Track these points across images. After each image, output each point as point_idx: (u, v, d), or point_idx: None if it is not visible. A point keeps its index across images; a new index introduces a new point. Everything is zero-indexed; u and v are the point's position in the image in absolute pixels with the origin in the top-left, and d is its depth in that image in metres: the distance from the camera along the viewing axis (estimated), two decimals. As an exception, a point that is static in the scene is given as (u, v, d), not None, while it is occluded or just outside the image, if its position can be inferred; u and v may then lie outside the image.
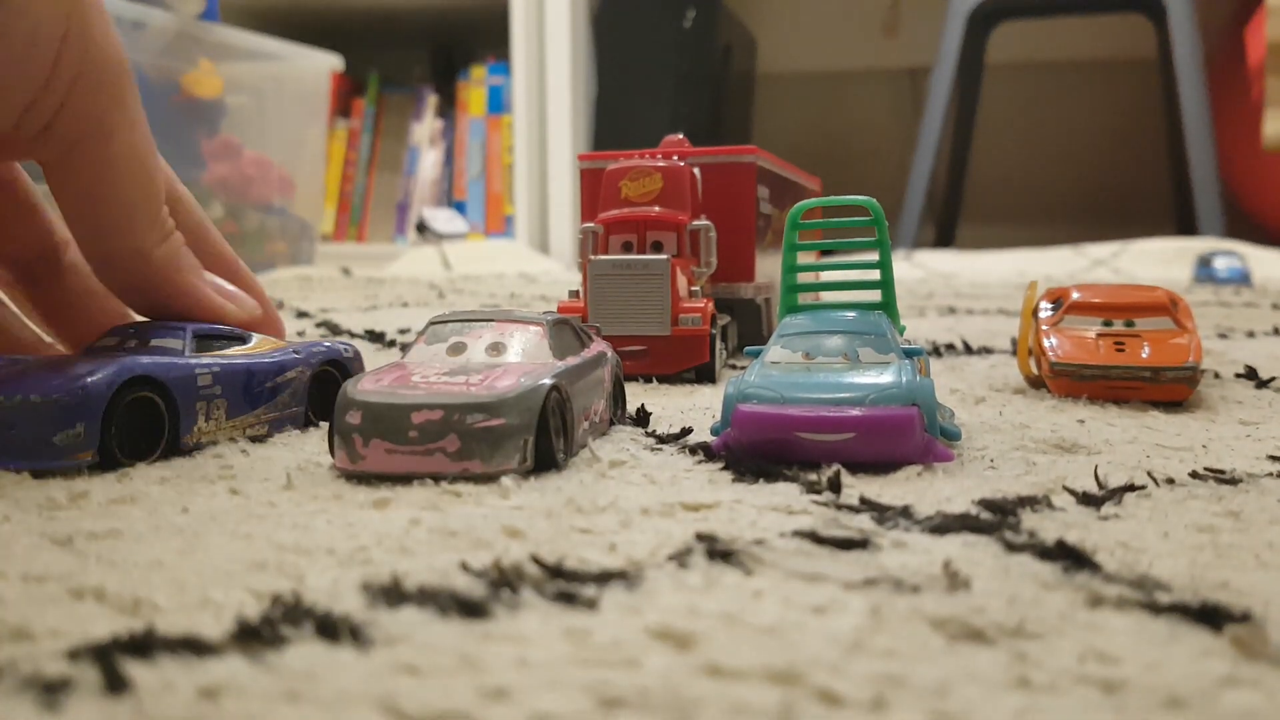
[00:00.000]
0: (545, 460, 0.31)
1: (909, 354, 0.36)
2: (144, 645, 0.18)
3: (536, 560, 0.23)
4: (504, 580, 0.22)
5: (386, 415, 0.30)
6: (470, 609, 0.20)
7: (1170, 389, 0.43)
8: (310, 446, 0.36)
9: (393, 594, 0.21)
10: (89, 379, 0.31)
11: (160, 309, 0.37)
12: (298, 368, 0.39)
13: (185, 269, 0.37)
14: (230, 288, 0.39)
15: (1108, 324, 0.47)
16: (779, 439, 0.32)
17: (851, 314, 0.38)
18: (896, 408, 0.32)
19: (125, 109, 0.34)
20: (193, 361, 0.35)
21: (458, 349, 0.35)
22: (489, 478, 0.30)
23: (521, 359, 0.35)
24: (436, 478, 0.30)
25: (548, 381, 0.32)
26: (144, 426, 0.33)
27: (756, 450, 0.33)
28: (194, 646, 0.18)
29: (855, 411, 0.32)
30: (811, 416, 0.32)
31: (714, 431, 0.35)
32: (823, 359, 0.36)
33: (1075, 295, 0.49)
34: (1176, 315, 0.47)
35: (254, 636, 0.19)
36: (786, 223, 0.41)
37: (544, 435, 0.31)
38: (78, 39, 0.32)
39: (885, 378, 0.33)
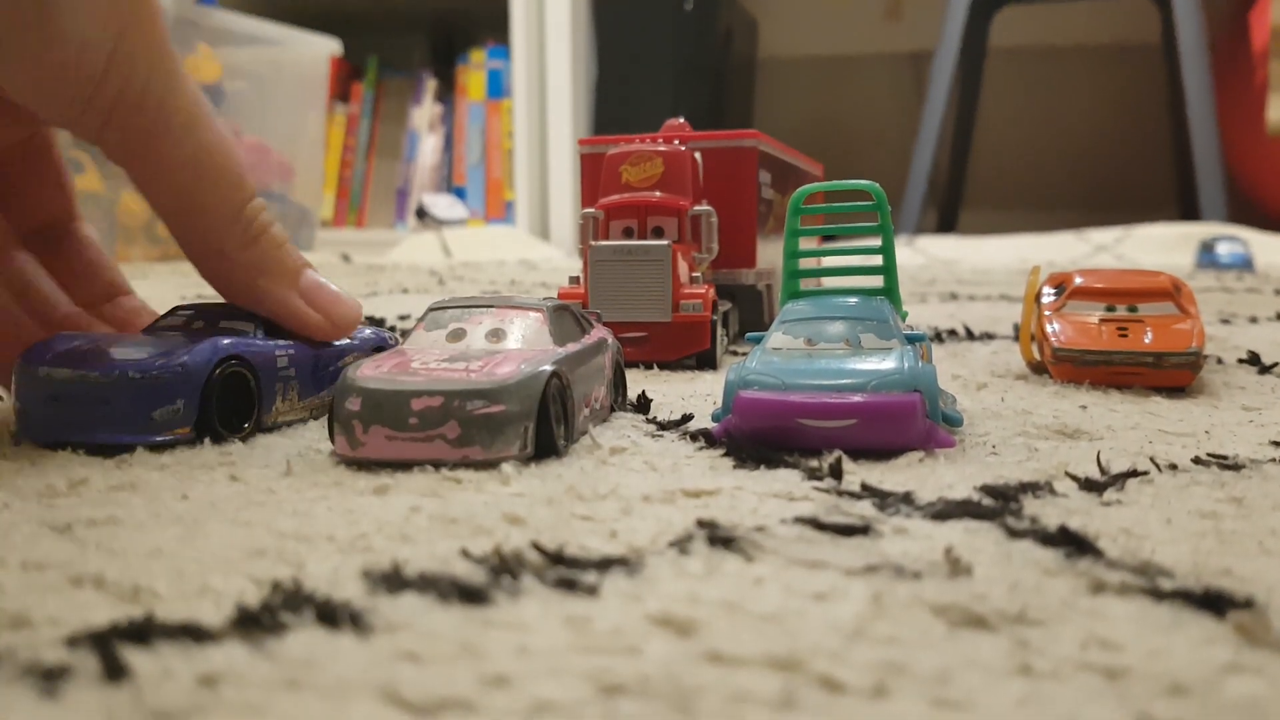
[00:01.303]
0: (546, 447, 0.31)
1: (911, 340, 0.36)
2: (143, 633, 0.18)
3: (537, 547, 0.23)
4: (504, 567, 0.22)
5: (387, 401, 0.30)
6: (471, 596, 0.20)
7: (1173, 374, 0.43)
8: (310, 433, 0.36)
9: (393, 581, 0.21)
10: (187, 357, 0.32)
11: (246, 308, 0.38)
12: (355, 353, 0.40)
13: (271, 273, 0.37)
14: (331, 291, 0.39)
15: (1110, 309, 0.47)
16: (780, 425, 0.32)
17: (853, 300, 0.38)
18: (898, 394, 0.32)
19: (171, 126, 0.34)
20: (271, 344, 0.36)
21: (457, 335, 0.35)
22: (489, 464, 0.30)
23: (522, 345, 0.34)
24: (437, 464, 0.30)
25: (548, 368, 0.32)
26: (230, 405, 0.34)
27: (758, 436, 0.32)
28: (193, 634, 0.18)
29: (857, 397, 0.32)
30: (813, 403, 0.32)
31: (715, 418, 0.35)
32: (824, 345, 0.36)
33: (1078, 280, 0.48)
34: (1179, 300, 0.47)
35: (254, 624, 0.19)
36: (788, 208, 0.41)
37: (544, 422, 0.31)
38: (125, 59, 0.32)
39: (887, 364, 0.33)
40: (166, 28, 0.34)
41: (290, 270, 0.37)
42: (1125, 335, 0.45)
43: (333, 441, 0.32)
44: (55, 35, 0.31)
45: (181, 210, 0.36)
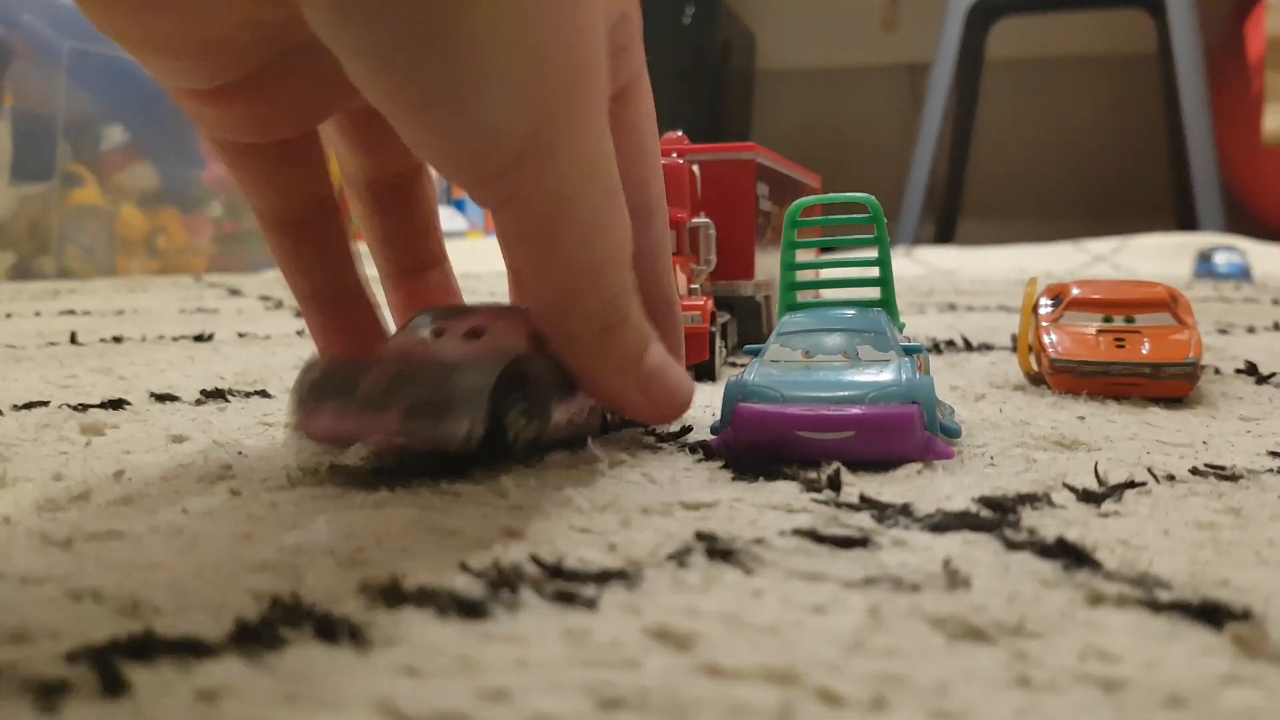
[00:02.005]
0: (497, 436, 0.30)
1: (909, 351, 0.36)
2: (142, 647, 0.18)
3: (535, 560, 0.23)
4: (503, 580, 0.22)
5: (337, 376, 0.30)
6: (469, 609, 0.20)
7: (1170, 385, 0.43)
8: (309, 447, 0.36)
9: (391, 595, 0.21)
10: None
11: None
12: None
13: (614, 364, 0.32)
14: (666, 382, 0.33)
15: (1108, 320, 0.47)
16: (778, 437, 0.32)
17: (851, 311, 0.38)
18: (896, 405, 0.32)
19: (573, 226, 0.29)
20: None
21: (438, 332, 0.35)
22: (485, 475, 0.30)
23: (501, 343, 0.34)
24: (431, 474, 0.30)
25: (509, 355, 0.30)
26: None
27: (756, 449, 0.32)
28: (193, 648, 0.18)
29: (855, 409, 0.32)
30: (811, 415, 0.32)
31: (713, 430, 0.35)
32: (822, 357, 0.36)
33: (1075, 291, 0.48)
34: (1177, 311, 0.47)
35: (253, 638, 0.19)
36: (785, 220, 0.41)
37: (499, 411, 0.30)
38: (540, 153, 0.28)
39: (885, 375, 0.33)
40: (602, 120, 0.29)
41: (633, 359, 0.33)
42: (1122, 346, 0.45)
43: (291, 418, 0.31)
44: (468, 119, 0.27)
45: (551, 304, 0.31)
